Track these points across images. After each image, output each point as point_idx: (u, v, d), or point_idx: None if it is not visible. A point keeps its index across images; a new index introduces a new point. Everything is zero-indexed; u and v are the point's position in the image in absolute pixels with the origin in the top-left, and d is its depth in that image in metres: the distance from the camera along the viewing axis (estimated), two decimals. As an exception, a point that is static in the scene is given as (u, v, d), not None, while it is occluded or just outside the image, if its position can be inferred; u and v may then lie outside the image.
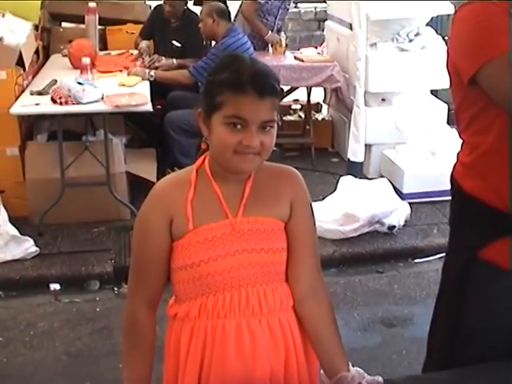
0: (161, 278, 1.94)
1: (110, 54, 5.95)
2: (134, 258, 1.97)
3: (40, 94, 4.81)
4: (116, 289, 4.42)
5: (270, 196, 1.94)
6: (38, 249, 4.58)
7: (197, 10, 6.16)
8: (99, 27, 5.98)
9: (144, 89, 4.92)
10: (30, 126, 5.26)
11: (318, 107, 6.87)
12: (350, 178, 5.20)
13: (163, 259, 1.91)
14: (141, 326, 1.94)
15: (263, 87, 1.78)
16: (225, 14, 5.29)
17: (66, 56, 5.74)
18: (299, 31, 8.29)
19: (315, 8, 8.64)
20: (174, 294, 1.98)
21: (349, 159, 5.70)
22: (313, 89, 6.35)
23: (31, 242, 4.59)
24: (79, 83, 4.60)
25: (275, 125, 1.83)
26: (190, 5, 6.40)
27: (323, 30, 8.20)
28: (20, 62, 5.10)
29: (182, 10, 5.93)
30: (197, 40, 5.86)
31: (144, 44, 5.94)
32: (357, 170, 5.58)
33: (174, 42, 5.92)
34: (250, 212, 1.90)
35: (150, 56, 5.72)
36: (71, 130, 4.94)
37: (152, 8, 6.31)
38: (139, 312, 1.93)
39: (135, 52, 5.92)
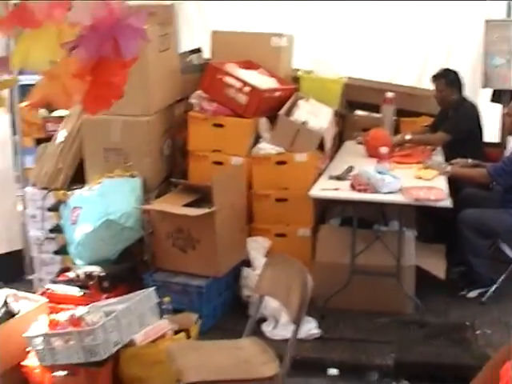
0: None
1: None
2: None
3: (338, 178, 4.92)
4: (395, 383, 4.31)
5: None
6: (320, 331, 4.62)
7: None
8: (394, 118, 6.05)
9: (442, 184, 4.84)
10: (323, 208, 5.39)
11: None
12: None
13: None
14: None
15: None
16: None
17: (360, 143, 5.88)
18: None
19: None
20: None
21: None
22: None
23: (314, 324, 4.64)
24: (379, 173, 4.64)
25: None
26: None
27: None
28: (319, 146, 5.26)
29: (453, 101, 5.79)
30: (455, 121, 5.73)
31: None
32: None
33: None
34: None
35: None
36: (363, 217, 4.99)
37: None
38: None
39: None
